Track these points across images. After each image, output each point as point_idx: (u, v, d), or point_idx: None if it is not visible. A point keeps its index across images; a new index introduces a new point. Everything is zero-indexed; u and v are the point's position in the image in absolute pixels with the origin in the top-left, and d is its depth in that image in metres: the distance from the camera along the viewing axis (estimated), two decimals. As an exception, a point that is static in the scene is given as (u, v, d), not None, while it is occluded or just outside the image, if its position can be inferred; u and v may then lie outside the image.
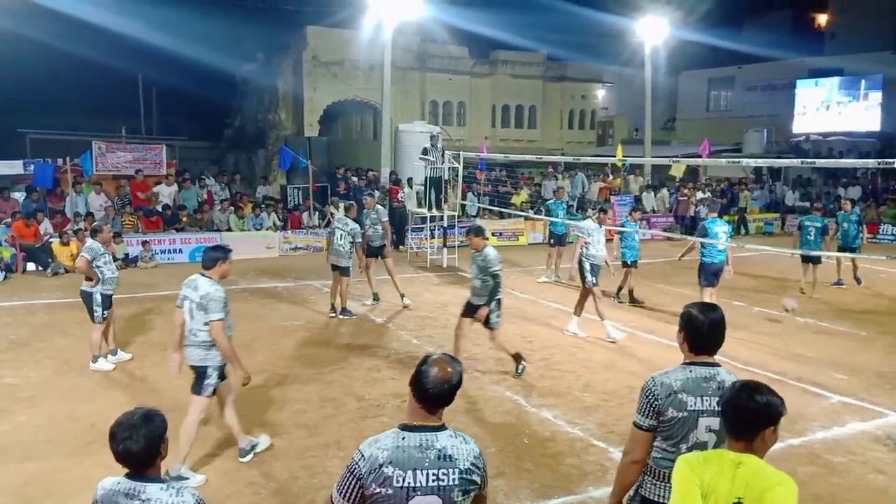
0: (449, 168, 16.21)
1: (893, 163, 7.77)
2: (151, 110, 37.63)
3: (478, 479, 2.66)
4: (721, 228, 10.30)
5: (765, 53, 32.42)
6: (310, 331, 10.09)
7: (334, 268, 10.78)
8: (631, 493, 3.35)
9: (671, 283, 13.30)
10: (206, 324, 5.39)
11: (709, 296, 10.02)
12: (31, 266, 14.48)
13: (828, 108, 31.61)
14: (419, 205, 17.96)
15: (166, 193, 17.69)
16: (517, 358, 8.06)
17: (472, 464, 2.64)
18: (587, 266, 9.64)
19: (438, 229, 16.12)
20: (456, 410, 6.87)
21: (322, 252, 14.76)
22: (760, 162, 17.50)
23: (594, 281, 9.64)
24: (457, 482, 2.59)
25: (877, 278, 14.45)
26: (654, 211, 21.86)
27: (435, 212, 15.86)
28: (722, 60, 35.09)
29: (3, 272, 13.68)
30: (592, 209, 21.33)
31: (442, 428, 2.67)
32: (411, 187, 19.09)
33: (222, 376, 5.63)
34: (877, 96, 29.99)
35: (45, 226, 15.12)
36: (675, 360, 3.38)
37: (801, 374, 8.22)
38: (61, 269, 14.10)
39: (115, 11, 25.11)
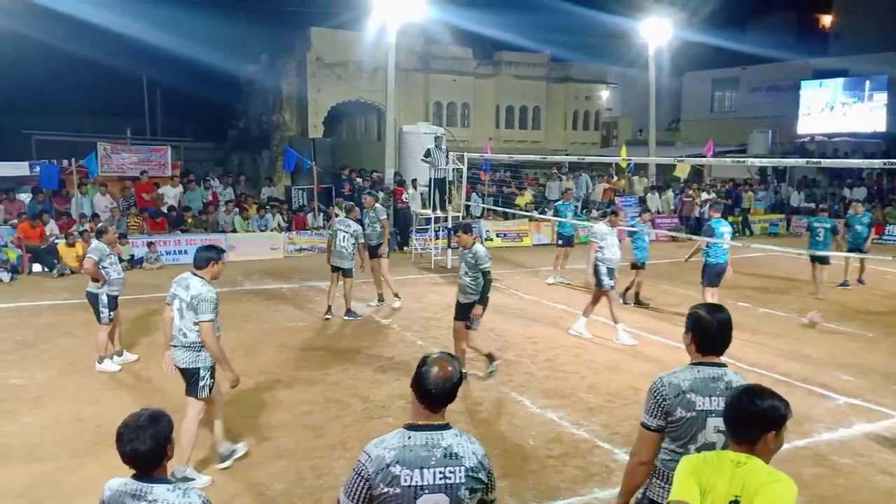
0: (453, 169, 16.21)
1: (899, 163, 7.74)
2: (156, 112, 37.68)
3: (484, 478, 2.66)
4: (725, 229, 10.32)
5: (769, 54, 32.34)
6: (315, 332, 10.10)
7: (335, 269, 10.75)
8: (638, 495, 3.34)
9: (676, 284, 13.28)
10: (197, 324, 5.35)
11: (710, 296, 10.00)
12: (36, 267, 14.51)
13: (832, 108, 31.53)
14: (423, 206, 17.97)
15: (171, 195, 17.73)
16: (490, 357, 8.01)
17: (479, 462, 2.65)
18: (603, 269, 9.56)
19: (442, 230, 16.12)
20: (461, 412, 6.88)
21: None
22: (765, 162, 17.45)
23: (612, 283, 9.60)
24: (463, 480, 2.60)
25: (882, 279, 14.41)
26: (658, 212, 21.83)
27: (439, 213, 15.87)
28: (726, 61, 35.02)
29: (10, 273, 13.73)
30: (597, 210, 21.37)
31: (447, 427, 2.69)
32: (415, 188, 19.10)
33: (214, 376, 5.58)
34: (882, 97, 29.90)
35: (51, 227, 15.17)
36: (681, 361, 3.37)
37: (807, 375, 8.20)
38: (67, 271, 14.13)
39: (120, 13, 25.16)
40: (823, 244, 12.66)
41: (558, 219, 14.59)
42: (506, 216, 19.37)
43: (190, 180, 18.64)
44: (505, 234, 19.49)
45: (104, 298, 8.11)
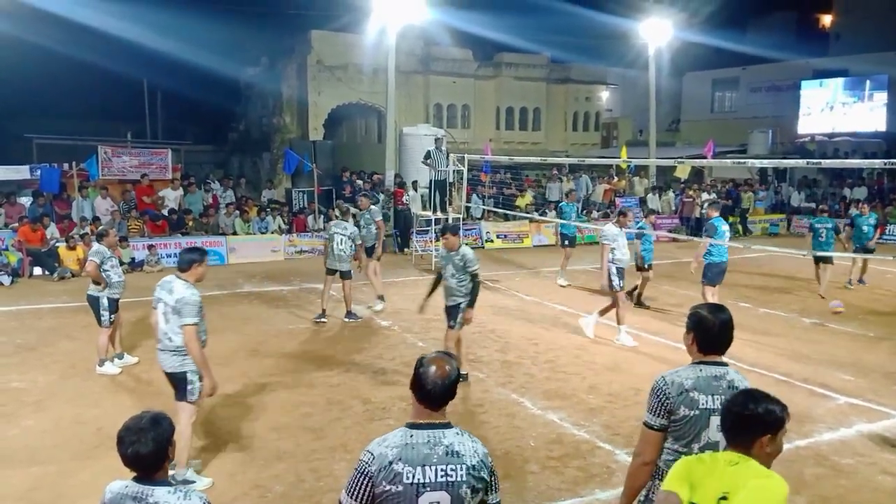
0: (453, 171, 16.22)
1: (899, 163, 7.74)
2: (156, 115, 37.70)
3: (486, 477, 2.67)
4: (725, 227, 10.33)
5: (769, 54, 32.31)
6: (315, 334, 10.10)
7: (331, 272, 10.67)
8: (641, 497, 3.34)
9: (677, 285, 13.28)
10: (181, 328, 5.28)
11: (710, 295, 9.99)
12: (37, 270, 14.53)
13: (832, 108, 31.52)
14: (424, 207, 17.97)
15: (172, 197, 17.75)
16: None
17: (480, 461, 2.65)
18: (613, 270, 9.53)
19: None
20: (462, 413, 6.88)
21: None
22: (766, 163, 17.45)
23: (620, 285, 9.60)
24: (464, 478, 2.60)
25: (883, 279, 14.40)
26: (658, 212, 21.82)
27: (439, 214, 15.87)
28: (726, 62, 34.98)
29: (11, 277, 13.74)
30: (598, 211, 21.38)
31: (448, 426, 2.70)
32: (416, 190, 19.10)
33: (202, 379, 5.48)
34: (882, 97, 29.88)
35: (52, 230, 15.18)
36: (682, 361, 3.38)
37: (808, 376, 8.19)
38: (68, 274, 14.15)
39: (120, 17, 25.18)
40: (827, 244, 12.75)
41: (562, 221, 14.56)
42: (506, 217, 19.37)
43: (190, 183, 18.65)
44: (505, 236, 19.49)
45: (105, 301, 8.12)
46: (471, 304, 7.60)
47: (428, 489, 2.57)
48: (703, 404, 3.13)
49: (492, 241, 19.20)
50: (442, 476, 2.58)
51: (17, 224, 14.92)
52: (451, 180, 16.26)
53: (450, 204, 15.96)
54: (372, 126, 32.77)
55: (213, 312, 11.28)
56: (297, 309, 11.59)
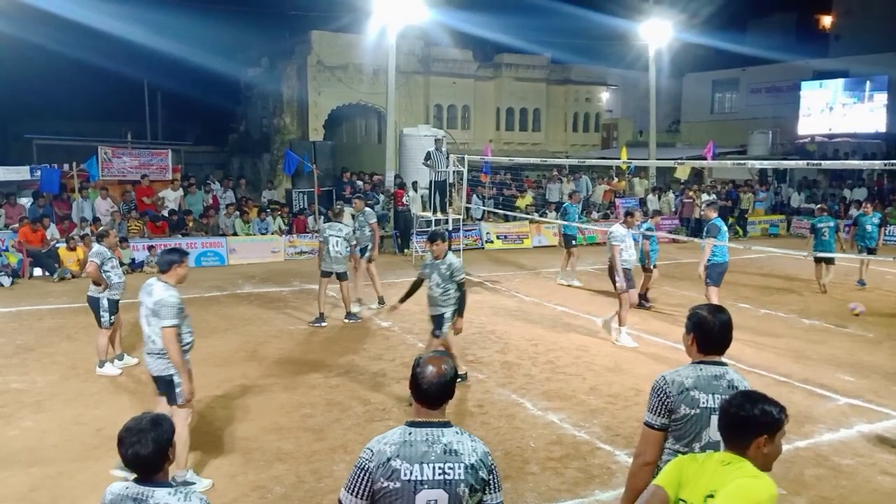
0: (453, 171, 16.22)
1: (899, 164, 7.74)
2: (157, 115, 37.72)
3: (485, 476, 2.66)
4: (725, 228, 10.32)
5: (769, 55, 32.32)
6: (315, 335, 10.10)
7: (326, 274, 10.59)
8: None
9: (676, 286, 13.28)
10: (161, 330, 5.22)
11: (715, 295, 9.98)
12: (37, 271, 14.53)
13: (832, 109, 31.53)
14: (424, 208, 17.98)
15: (172, 198, 17.75)
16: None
17: (480, 460, 2.65)
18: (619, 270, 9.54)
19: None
20: (462, 413, 6.88)
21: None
22: (766, 164, 17.43)
23: (627, 285, 9.58)
24: (462, 476, 2.60)
25: (883, 279, 14.41)
26: (662, 214, 21.81)
27: (440, 215, 15.87)
28: (726, 63, 34.99)
29: (10, 277, 13.74)
30: (597, 212, 21.39)
31: (447, 424, 2.71)
32: (416, 191, 19.11)
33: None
34: (882, 97, 29.88)
35: (52, 231, 15.18)
36: (682, 362, 3.38)
37: (808, 376, 8.19)
38: (68, 275, 14.15)
39: (121, 17, 25.21)
40: (829, 243, 12.89)
41: (565, 222, 14.52)
42: (506, 218, 19.38)
43: (191, 184, 18.66)
44: (506, 237, 19.49)
45: (105, 302, 8.12)
46: (460, 313, 7.44)
47: (425, 487, 2.58)
48: (703, 403, 3.14)
49: (492, 241, 19.21)
50: (440, 474, 2.59)
51: (17, 225, 14.92)
52: (451, 181, 16.27)
53: (450, 205, 15.97)
54: (372, 127, 32.79)
55: (213, 313, 11.33)
56: (298, 310, 11.58)
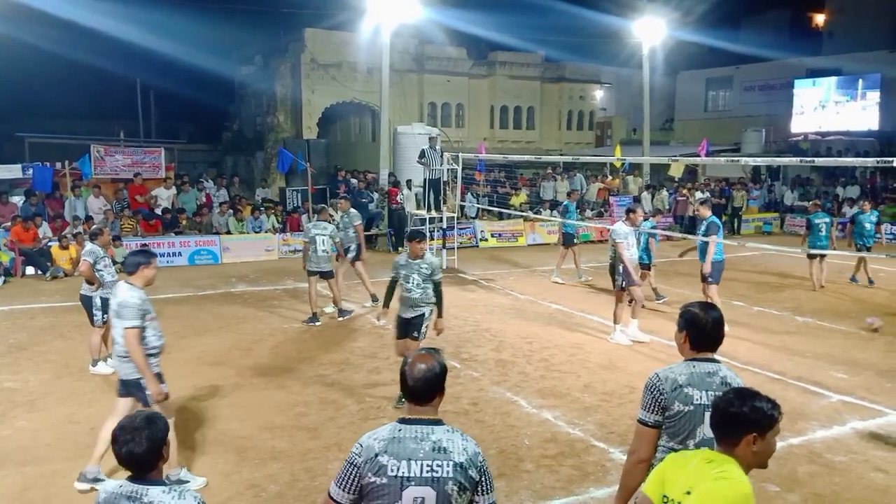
0: (448, 169, 16.22)
1: (892, 162, 7.76)
2: (150, 114, 37.61)
3: (475, 476, 2.65)
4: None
5: (763, 53, 32.42)
6: (310, 333, 10.09)
7: (313, 273, 10.54)
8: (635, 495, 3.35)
9: (670, 284, 13.30)
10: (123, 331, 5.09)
11: (716, 293, 9.97)
12: (30, 270, 14.49)
13: (825, 107, 31.62)
14: (418, 206, 17.97)
15: (165, 197, 17.71)
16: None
17: (469, 459, 2.64)
18: (620, 269, 9.48)
19: (438, 231, 16.13)
20: (456, 412, 6.88)
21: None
22: (759, 161, 17.50)
23: (623, 284, 9.52)
24: (450, 474, 2.60)
25: (876, 277, 14.43)
26: (662, 211, 21.84)
27: (434, 213, 15.87)
28: (720, 60, 35.10)
29: (3, 276, 13.68)
30: (591, 210, 21.42)
31: (438, 422, 2.72)
32: (410, 189, 19.10)
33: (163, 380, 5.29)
34: (875, 95, 29.98)
35: (44, 229, 15.12)
36: (677, 359, 3.39)
37: (801, 374, 8.22)
38: (60, 273, 14.09)
39: (113, 15, 25.12)
40: (826, 238, 13.02)
41: (568, 221, 14.49)
42: (500, 216, 19.39)
43: (184, 182, 18.62)
44: (500, 235, 19.50)
45: (98, 301, 8.08)
46: (440, 313, 7.27)
47: (412, 483, 2.58)
48: (697, 400, 3.15)
49: (486, 239, 19.21)
50: (427, 471, 2.59)
51: (9, 223, 14.86)
52: (445, 179, 16.27)
53: (444, 203, 15.97)
54: (366, 125, 32.75)
55: (207, 312, 11.31)
56: (292, 308, 11.57)
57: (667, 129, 38.55)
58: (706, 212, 10.41)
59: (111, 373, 8.14)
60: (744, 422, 2.55)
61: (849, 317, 11.15)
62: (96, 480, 5.19)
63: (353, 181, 20.04)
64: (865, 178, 25.66)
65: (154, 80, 34.25)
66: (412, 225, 17.45)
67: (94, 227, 9.50)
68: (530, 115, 34.91)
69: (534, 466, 5.79)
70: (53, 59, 28.57)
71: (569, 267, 14.28)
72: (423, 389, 2.71)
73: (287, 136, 27.71)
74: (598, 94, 37.86)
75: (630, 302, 9.66)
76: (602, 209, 21.92)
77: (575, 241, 14.33)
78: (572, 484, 5.51)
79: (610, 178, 23.94)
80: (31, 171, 16.58)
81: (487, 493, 2.70)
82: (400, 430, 2.66)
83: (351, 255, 11.61)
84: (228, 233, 16.93)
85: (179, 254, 15.97)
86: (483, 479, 2.69)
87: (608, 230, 11.85)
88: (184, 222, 17.02)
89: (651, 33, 25.81)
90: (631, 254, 9.57)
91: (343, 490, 2.65)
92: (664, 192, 23.08)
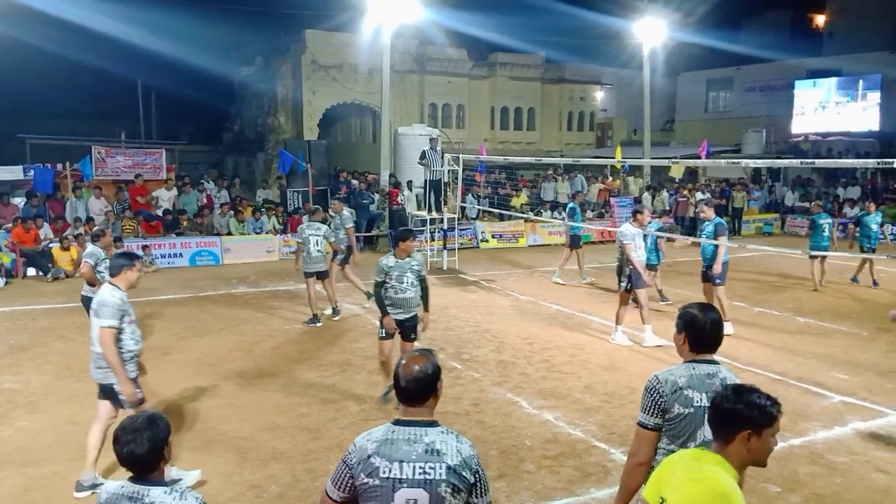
0: (448, 170, 16.23)
1: (892, 163, 7.76)
2: (151, 115, 37.65)
3: (470, 478, 2.62)
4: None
5: (763, 54, 32.42)
6: (311, 334, 10.09)
7: (309, 275, 10.54)
8: (636, 498, 3.34)
9: (671, 285, 13.29)
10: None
11: (724, 295, 9.95)
12: (31, 271, 14.50)
13: (825, 108, 31.62)
14: (419, 207, 17.97)
15: (166, 198, 17.72)
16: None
17: (463, 461, 2.61)
18: (626, 270, 9.44)
19: (438, 232, 16.13)
20: (457, 413, 6.88)
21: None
22: (760, 162, 17.49)
23: (628, 286, 9.53)
24: (443, 476, 2.58)
25: (877, 277, 14.43)
26: (668, 212, 21.83)
27: (435, 214, 15.88)
28: (720, 61, 35.10)
29: (4, 277, 13.69)
30: (592, 211, 21.40)
31: (433, 424, 2.70)
32: (411, 190, 19.11)
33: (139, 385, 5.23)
34: (875, 96, 29.99)
35: (46, 231, 15.14)
36: (677, 361, 3.38)
37: (802, 374, 8.22)
38: (62, 274, 14.10)
39: (114, 16, 25.15)
40: (828, 239, 13.10)
41: (576, 223, 14.47)
42: (501, 217, 19.40)
43: (185, 183, 18.63)
44: (501, 236, 19.51)
45: (99, 302, 8.07)
46: (426, 307, 7.12)
47: (405, 485, 2.57)
48: (697, 402, 3.13)
49: (487, 240, 19.22)
50: (420, 474, 2.58)
51: (10, 225, 14.87)
52: (446, 180, 16.27)
53: (445, 204, 15.98)
54: (367, 126, 32.78)
55: (208, 313, 11.32)
56: (292, 309, 11.57)
57: (667, 130, 38.56)
58: (711, 213, 10.34)
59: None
60: (738, 418, 2.52)
61: (850, 317, 11.14)
62: (94, 486, 5.16)
63: (355, 182, 20.04)
64: (866, 179, 25.65)
65: (155, 81, 34.30)
66: (413, 226, 17.46)
67: (96, 228, 9.50)
68: (531, 116, 34.92)
69: (535, 467, 5.79)
70: (54, 61, 28.60)
71: (570, 268, 14.28)
72: (416, 390, 2.70)
73: (288, 137, 27.72)
74: (599, 95, 37.88)
75: (637, 305, 9.64)
76: (603, 210, 21.92)
77: (580, 243, 14.35)
78: (573, 484, 5.51)
79: (610, 179, 23.93)
80: (32, 173, 16.62)
81: (483, 495, 2.68)
82: (393, 432, 2.66)
83: (339, 257, 11.55)
84: (229, 234, 16.94)
85: (180, 255, 15.99)
86: (478, 480, 2.66)
87: (610, 231, 11.84)
88: (185, 223, 17.02)
89: (652, 34, 25.81)
90: (639, 255, 9.55)
91: (337, 488, 2.68)
92: (664, 193, 23.08)
